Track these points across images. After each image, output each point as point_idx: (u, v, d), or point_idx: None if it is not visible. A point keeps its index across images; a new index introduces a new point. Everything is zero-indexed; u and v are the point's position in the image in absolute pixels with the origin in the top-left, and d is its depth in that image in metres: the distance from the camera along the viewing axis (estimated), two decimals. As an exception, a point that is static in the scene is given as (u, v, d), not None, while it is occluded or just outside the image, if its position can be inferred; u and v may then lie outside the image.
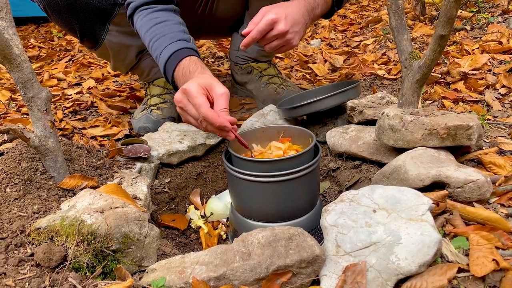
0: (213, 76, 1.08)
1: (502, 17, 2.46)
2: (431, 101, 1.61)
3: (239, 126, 1.43)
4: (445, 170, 0.88)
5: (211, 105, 0.98)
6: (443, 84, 1.78)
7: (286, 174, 0.87)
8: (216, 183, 1.33)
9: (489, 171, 0.99)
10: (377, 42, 2.58)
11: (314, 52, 2.53)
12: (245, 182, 0.91)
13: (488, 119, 1.37)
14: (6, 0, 0.83)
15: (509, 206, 0.86)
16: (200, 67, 1.12)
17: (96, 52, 1.60)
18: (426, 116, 0.99)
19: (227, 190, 1.16)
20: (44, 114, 0.91)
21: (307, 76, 2.15)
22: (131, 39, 1.54)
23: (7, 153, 1.01)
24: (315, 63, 2.31)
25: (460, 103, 1.57)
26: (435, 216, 0.83)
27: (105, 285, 0.73)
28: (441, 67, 1.94)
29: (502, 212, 0.84)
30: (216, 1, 1.61)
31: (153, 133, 1.37)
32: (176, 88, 1.20)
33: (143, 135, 1.38)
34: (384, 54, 2.34)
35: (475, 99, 1.59)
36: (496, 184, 0.92)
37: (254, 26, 1.14)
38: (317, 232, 0.98)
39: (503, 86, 1.66)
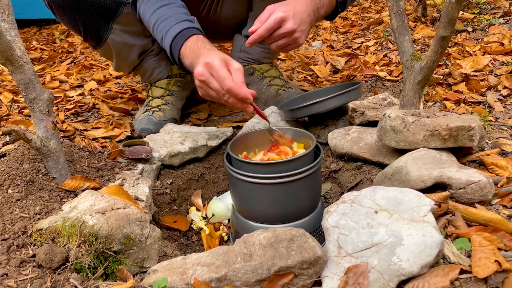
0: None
1: (503, 19, 2.46)
2: (432, 103, 1.61)
3: (240, 128, 1.43)
4: (447, 171, 0.88)
5: None
6: (444, 86, 1.78)
7: (287, 176, 0.87)
8: (217, 185, 1.33)
9: (491, 172, 0.98)
10: (378, 44, 2.58)
11: (315, 54, 2.53)
12: (247, 184, 0.91)
13: (490, 121, 1.36)
14: (8, 2, 0.84)
15: (511, 207, 0.86)
16: (208, 44, 1.15)
17: (99, 51, 1.61)
18: (427, 117, 0.99)
19: (229, 192, 1.16)
20: (46, 116, 0.91)
21: (309, 77, 2.15)
22: (134, 39, 1.54)
23: (9, 154, 1.01)
24: (317, 64, 2.31)
25: (462, 105, 1.57)
26: (437, 217, 0.83)
27: (106, 286, 0.73)
28: (442, 69, 1.94)
29: (504, 213, 0.84)
30: (220, 3, 1.62)
31: (155, 134, 1.37)
32: (182, 66, 1.23)
33: (144, 137, 1.38)
34: (385, 55, 2.34)
35: (477, 101, 1.59)
36: (498, 185, 0.92)
37: (261, 24, 1.13)
38: (318, 234, 0.98)
39: (505, 87, 1.66)
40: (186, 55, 1.18)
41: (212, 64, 1.00)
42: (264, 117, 1.04)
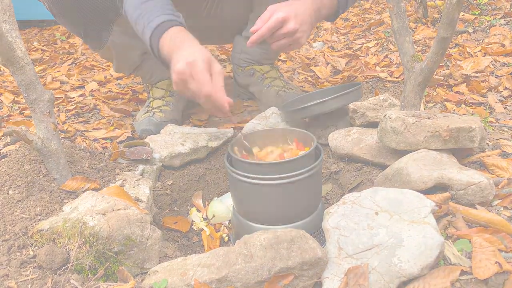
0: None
1: (504, 20, 2.46)
2: (433, 104, 1.61)
3: (241, 128, 1.43)
4: (448, 172, 0.88)
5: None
6: (445, 87, 1.78)
7: (288, 177, 0.87)
8: (218, 186, 1.33)
9: (491, 174, 0.98)
10: (379, 45, 2.58)
11: (316, 55, 2.53)
12: (247, 185, 0.91)
13: (491, 122, 1.36)
14: (9, 3, 0.84)
15: (512, 209, 0.86)
16: (189, 37, 1.11)
17: (100, 52, 1.61)
18: (428, 118, 0.99)
19: (229, 193, 1.16)
20: (47, 117, 0.91)
21: (309, 78, 2.15)
22: (134, 40, 1.54)
23: (10, 155, 1.01)
24: (317, 65, 2.31)
25: (463, 106, 1.57)
26: (438, 218, 0.83)
27: (107, 287, 0.73)
28: (443, 70, 1.94)
29: (505, 215, 0.84)
30: (221, 5, 1.62)
31: (156, 135, 1.37)
32: (160, 58, 1.17)
33: (145, 138, 1.38)
34: (386, 56, 2.34)
35: (477, 102, 1.59)
36: (499, 186, 0.92)
37: (263, 23, 1.13)
38: (319, 235, 0.98)
39: (506, 88, 1.66)
40: (165, 45, 1.12)
41: (194, 65, 0.97)
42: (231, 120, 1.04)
